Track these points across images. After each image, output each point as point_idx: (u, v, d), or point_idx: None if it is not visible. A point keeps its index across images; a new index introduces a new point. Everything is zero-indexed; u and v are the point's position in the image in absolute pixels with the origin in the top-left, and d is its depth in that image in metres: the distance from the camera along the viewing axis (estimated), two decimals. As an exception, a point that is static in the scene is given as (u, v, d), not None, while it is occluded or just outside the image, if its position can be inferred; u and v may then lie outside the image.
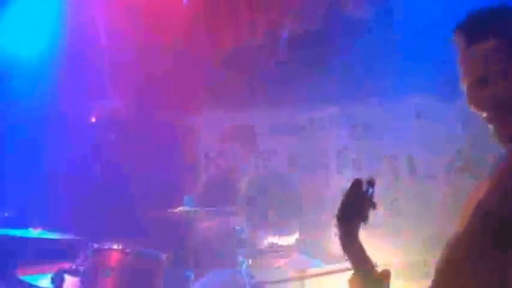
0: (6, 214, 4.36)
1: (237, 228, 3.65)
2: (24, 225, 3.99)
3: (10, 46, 5.06)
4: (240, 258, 3.60)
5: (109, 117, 5.11)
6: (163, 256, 3.70)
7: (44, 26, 5.16)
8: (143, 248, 3.79)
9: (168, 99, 5.31)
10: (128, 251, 3.65)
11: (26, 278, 3.82)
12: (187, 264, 3.63)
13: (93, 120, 5.01)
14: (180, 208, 3.67)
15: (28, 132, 4.90)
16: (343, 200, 1.80)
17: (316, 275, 3.68)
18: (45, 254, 4.00)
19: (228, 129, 4.56)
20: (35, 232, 3.97)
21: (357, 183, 1.78)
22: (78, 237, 4.01)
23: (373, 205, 1.79)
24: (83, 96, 5.12)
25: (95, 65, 5.16)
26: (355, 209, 1.77)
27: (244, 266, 3.58)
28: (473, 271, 1.61)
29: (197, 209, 3.72)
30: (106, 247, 3.70)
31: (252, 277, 3.57)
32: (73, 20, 5.14)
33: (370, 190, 1.77)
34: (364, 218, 1.79)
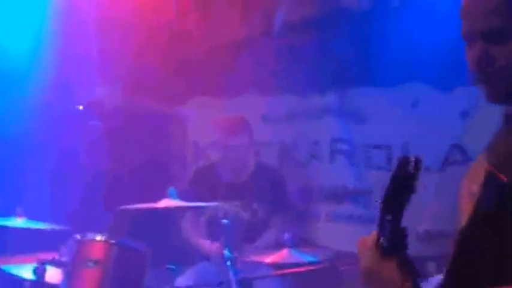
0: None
1: (223, 222, 3.56)
2: (7, 214, 3.91)
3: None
4: (226, 253, 3.51)
5: (96, 106, 5.04)
6: (148, 248, 3.63)
7: (32, 17, 5.05)
8: (127, 239, 3.74)
9: (157, 87, 5.22)
10: (112, 242, 3.58)
11: (8, 268, 3.73)
12: (172, 257, 3.56)
13: (80, 108, 4.96)
14: (165, 200, 3.58)
15: (13, 122, 4.83)
16: (388, 187, 1.54)
17: (305, 271, 3.61)
18: (28, 244, 3.93)
19: (219, 119, 4.47)
20: (18, 221, 3.89)
21: (404, 163, 1.51)
22: (61, 228, 3.95)
23: (414, 190, 1.52)
24: (70, 85, 5.06)
25: (83, 53, 5.08)
26: (400, 195, 1.52)
27: (229, 261, 3.49)
28: (480, 237, 1.49)
29: (182, 201, 3.63)
30: (89, 238, 3.62)
31: (237, 273, 3.49)
32: (60, 7, 5.04)
33: (417, 173, 1.51)
34: (406, 203, 1.54)
